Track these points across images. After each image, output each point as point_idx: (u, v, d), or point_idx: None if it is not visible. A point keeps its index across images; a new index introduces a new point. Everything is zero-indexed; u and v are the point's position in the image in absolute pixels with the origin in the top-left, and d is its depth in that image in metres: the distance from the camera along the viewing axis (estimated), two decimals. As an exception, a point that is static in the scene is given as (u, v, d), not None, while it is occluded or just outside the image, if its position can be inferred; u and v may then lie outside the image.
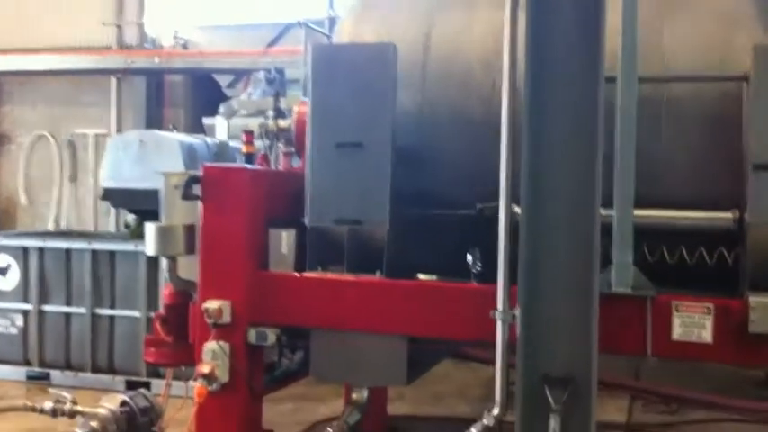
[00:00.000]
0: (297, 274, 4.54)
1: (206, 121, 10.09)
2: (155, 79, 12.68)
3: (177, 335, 4.75)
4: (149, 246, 4.60)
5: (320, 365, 4.57)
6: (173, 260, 4.66)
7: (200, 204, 4.58)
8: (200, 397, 4.30)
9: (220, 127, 8.81)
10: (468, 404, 7.26)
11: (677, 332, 3.93)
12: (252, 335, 4.48)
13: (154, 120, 12.44)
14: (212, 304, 4.42)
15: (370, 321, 4.36)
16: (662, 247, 4.25)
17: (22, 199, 13.03)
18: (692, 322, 3.90)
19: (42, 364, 7.47)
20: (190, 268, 4.66)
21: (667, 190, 4.30)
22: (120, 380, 7.21)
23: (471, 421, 6.66)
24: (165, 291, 4.87)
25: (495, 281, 4.04)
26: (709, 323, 3.88)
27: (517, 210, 3.88)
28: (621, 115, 3.94)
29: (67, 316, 7.43)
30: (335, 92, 4.56)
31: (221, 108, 9.33)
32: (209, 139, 8.95)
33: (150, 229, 4.61)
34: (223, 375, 4.39)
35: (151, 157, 8.12)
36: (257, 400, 4.64)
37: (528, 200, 3.76)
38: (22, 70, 12.59)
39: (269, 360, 5.19)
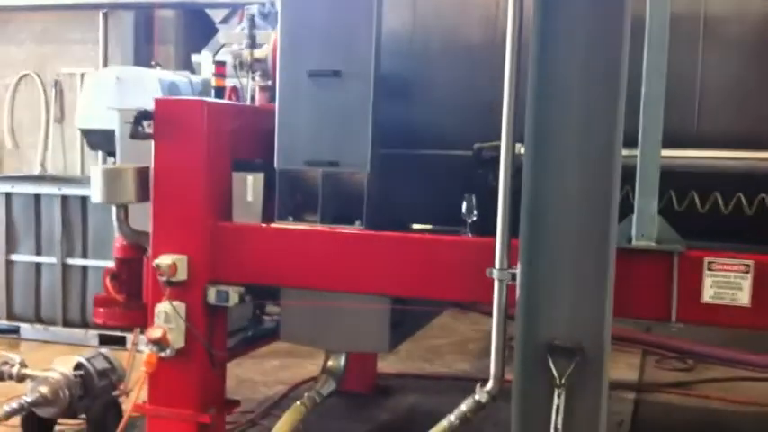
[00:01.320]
0: (264, 225, 3.91)
1: (195, 58, 9.44)
2: (143, 14, 11.95)
3: (130, 293, 4.16)
4: (95, 192, 3.97)
5: (291, 328, 3.98)
6: (123, 208, 4.04)
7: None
8: (150, 366, 3.72)
9: (206, 63, 8.16)
10: (467, 360, 6.75)
11: (708, 294, 3.30)
12: (211, 294, 3.87)
13: (143, 58, 11.73)
14: (165, 259, 3.81)
15: (347, 279, 3.73)
16: (692, 193, 3.60)
17: (8, 142, 12.43)
18: (727, 282, 3.27)
19: (11, 317, 6.96)
20: (144, 218, 4.03)
21: (701, 125, 3.64)
22: (93, 334, 6.69)
23: (470, 380, 6.20)
24: (115, 243, 4.26)
25: (493, 233, 3.40)
26: (746, 283, 3.25)
27: (521, 150, 3.24)
28: (650, 36, 3.26)
29: (37, 266, 6.89)
30: (309, 10, 3.87)
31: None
32: (193, 77, 8.30)
33: (96, 173, 3.99)
34: (177, 340, 3.81)
35: (129, 96, 7.46)
36: (219, 367, 4.06)
37: (534, 136, 3.13)
38: (5, 6, 11.89)
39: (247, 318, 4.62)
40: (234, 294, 3.85)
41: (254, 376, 5.99)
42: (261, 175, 3.91)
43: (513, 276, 3.29)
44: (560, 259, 3.15)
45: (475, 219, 3.68)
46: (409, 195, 4.03)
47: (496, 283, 3.35)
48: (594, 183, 3.10)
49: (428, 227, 4.02)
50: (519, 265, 3.19)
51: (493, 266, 3.36)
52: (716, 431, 5.29)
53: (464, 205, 3.68)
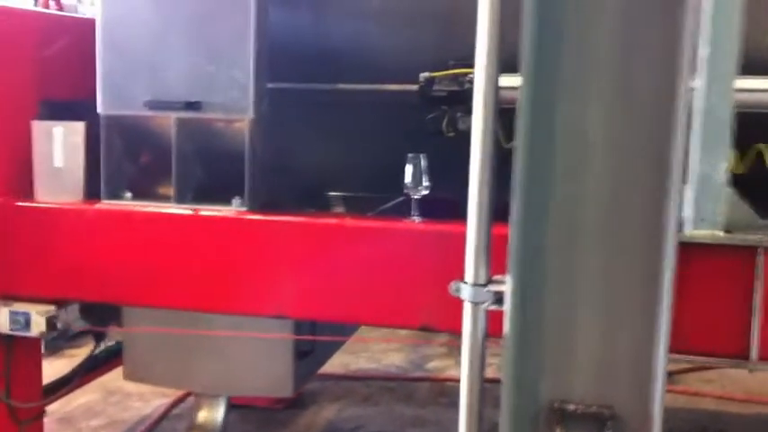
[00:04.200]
0: (83, 206, 2.43)
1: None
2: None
3: None
4: None
5: (139, 364, 2.56)
6: None
7: None
8: None
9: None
10: (400, 351, 5.51)
11: (810, 314, 2.01)
12: (2, 318, 2.41)
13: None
14: None
15: (224, 294, 2.31)
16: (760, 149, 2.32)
17: None
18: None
19: None
20: None
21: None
22: None
23: (404, 381, 4.97)
24: None
25: (459, 218, 2.03)
26: None
27: (509, 81, 1.88)
28: None
29: None
30: None
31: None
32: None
33: None
34: (-53, 396, 2.35)
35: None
36: (32, 421, 2.61)
37: (536, 55, 1.74)
38: None
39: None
40: (38, 318, 2.38)
41: (125, 385, 4.56)
42: (79, 126, 2.42)
43: (497, 297, 1.92)
44: (581, 265, 1.79)
45: (426, 192, 2.29)
46: (317, 155, 2.62)
47: (467, 308, 1.96)
48: (641, 133, 1.74)
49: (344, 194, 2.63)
50: (508, 277, 1.82)
51: (460, 278, 1.97)
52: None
53: (408, 171, 2.29)
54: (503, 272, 1.86)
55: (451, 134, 2.41)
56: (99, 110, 2.37)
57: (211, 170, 2.40)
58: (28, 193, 2.45)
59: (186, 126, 2.33)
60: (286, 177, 2.53)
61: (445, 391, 4.87)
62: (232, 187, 2.31)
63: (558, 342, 1.81)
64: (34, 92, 2.51)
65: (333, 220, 2.26)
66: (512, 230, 1.77)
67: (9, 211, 2.42)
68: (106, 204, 2.39)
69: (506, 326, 1.82)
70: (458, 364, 2.32)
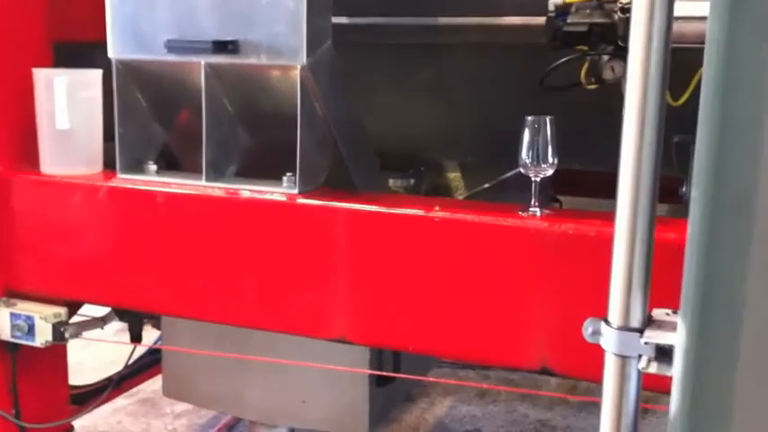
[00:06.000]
0: (95, 182, 1.85)
1: None
2: None
3: None
4: None
5: (179, 379, 2.02)
6: None
7: None
8: None
9: None
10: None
11: None
12: (3, 322, 1.90)
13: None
14: None
15: (264, 305, 1.70)
16: None
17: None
18: None
19: None
20: None
21: None
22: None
23: (529, 374, 4.29)
24: None
25: (605, 207, 1.32)
26: None
27: (688, 9, 1.14)
28: None
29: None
30: None
31: None
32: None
33: None
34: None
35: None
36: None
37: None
38: None
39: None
40: (43, 324, 1.86)
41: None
42: (93, 76, 1.84)
43: (661, 350, 1.21)
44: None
45: (551, 171, 1.58)
46: (404, 113, 1.95)
47: (610, 362, 1.25)
48: None
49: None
50: (679, 320, 1.10)
51: (600, 313, 1.26)
52: None
53: (525, 140, 1.58)
54: (671, 303, 1.17)
55: (593, 86, 1.69)
56: (110, 53, 1.77)
57: (255, 136, 1.77)
58: (31, 163, 1.91)
59: (220, 75, 1.70)
60: (360, 145, 1.87)
61: (577, 388, 4.13)
62: (283, 160, 1.68)
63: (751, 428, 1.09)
64: (45, 29, 1.96)
65: (416, 211, 1.58)
66: (690, 243, 1.04)
67: (9, 184, 1.89)
68: (123, 179, 1.81)
69: (675, 397, 1.11)
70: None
